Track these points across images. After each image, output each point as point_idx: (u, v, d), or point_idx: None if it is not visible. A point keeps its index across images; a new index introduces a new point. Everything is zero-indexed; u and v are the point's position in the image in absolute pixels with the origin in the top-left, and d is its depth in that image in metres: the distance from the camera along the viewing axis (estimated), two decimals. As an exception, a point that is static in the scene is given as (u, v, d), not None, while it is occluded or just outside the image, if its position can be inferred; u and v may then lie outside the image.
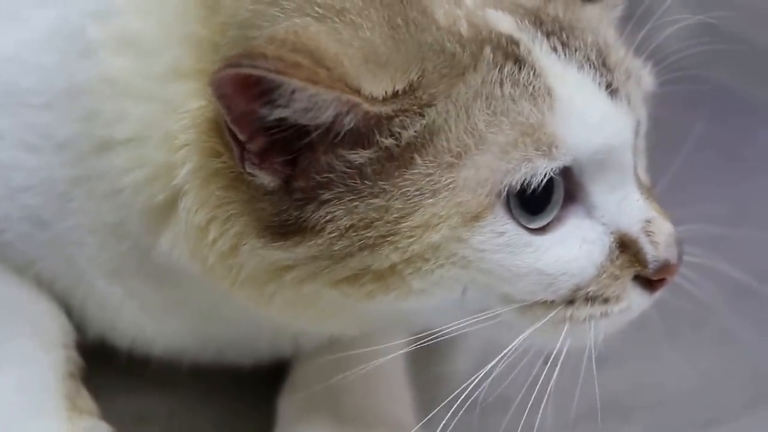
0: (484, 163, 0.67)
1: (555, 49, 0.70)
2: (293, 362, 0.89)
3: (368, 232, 0.67)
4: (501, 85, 0.68)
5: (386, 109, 0.66)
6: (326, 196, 0.68)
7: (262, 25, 0.69)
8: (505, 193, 0.68)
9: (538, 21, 0.71)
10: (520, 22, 0.71)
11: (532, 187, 0.68)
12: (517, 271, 0.69)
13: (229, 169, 0.69)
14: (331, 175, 0.68)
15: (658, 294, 0.74)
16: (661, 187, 0.81)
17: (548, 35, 0.71)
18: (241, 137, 0.66)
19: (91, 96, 0.75)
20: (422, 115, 0.67)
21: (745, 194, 1.21)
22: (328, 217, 0.68)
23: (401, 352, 0.83)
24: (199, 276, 0.73)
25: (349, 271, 0.68)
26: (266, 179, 0.68)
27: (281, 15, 0.68)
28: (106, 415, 0.85)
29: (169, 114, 0.71)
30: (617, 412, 0.92)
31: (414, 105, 0.67)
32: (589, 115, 0.69)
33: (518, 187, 0.67)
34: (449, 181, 0.67)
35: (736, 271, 0.86)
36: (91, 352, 0.88)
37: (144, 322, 0.85)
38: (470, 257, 0.68)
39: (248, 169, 0.67)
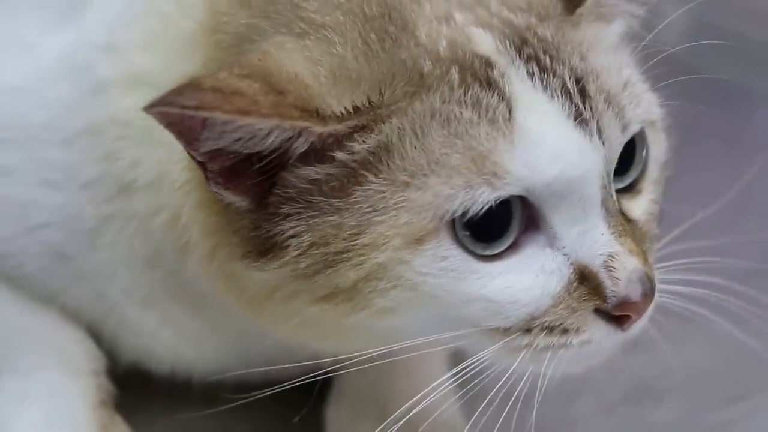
0: (431, 185, 0.67)
1: (531, 75, 0.69)
2: (336, 375, 0.89)
3: (327, 249, 0.68)
4: (461, 107, 0.67)
5: (342, 128, 0.66)
6: (287, 210, 0.68)
7: (254, 39, 0.70)
8: (448, 218, 0.67)
9: (522, 42, 0.70)
10: (501, 44, 0.70)
11: (471, 215, 0.67)
12: (463, 296, 0.68)
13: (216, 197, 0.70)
14: (291, 191, 0.68)
15: (633, 329, 0.72)
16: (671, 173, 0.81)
17: (528, 59, 0.70)
18: (200, 159, 0.67)
19: (108, 137, 0.76)
20: (378, 132, 0.67)
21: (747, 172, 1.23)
22: (290, 233, 0.68)
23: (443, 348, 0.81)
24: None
25: (322, 289, 0.69)
26: (235, 199, 0.69)
27: (270, 29, 0.70)
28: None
29: (171, 156, 0.72)
30: (649, 396, 0.93)
31: (372, 121, 0.67)
32: (546, 147, 0.67)
33: (460, 213, 0.67)
34: (400, 200, 0.67)
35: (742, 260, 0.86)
36: (127, 376, 0.88)
37: (182, 347, 0.85)
38: (414, 280, 0.68)
39: (215, 190, 0.68)
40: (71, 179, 0.80)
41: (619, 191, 0.73)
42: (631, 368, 0.89)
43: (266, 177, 0.68)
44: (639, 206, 0.75)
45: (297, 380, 0.75)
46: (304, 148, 0.66)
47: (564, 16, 0.73)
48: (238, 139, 0.65)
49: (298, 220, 0.68)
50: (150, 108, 0.63)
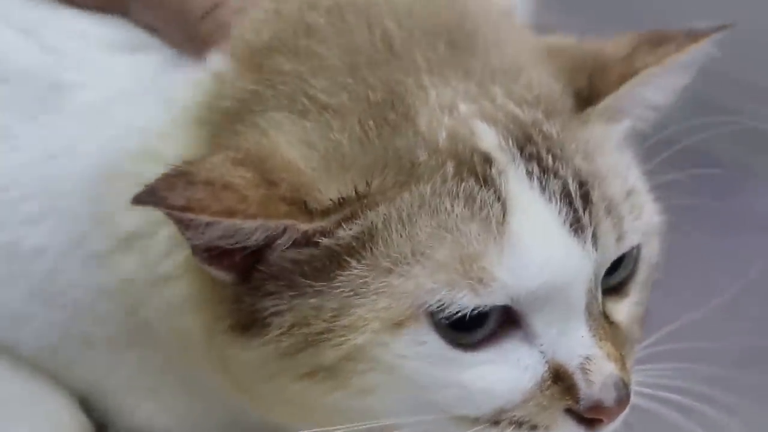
0: (414, 275, 0.66)
1: (530, 175, 0.68)
2: None
3: (308, 330, 0.68)
4: (453, 201, 0.67)
5: (326, 224, 0.66)
6: (270, 288, 0.68)
7: (254, 109, 0.71)
8: (427, 309, 0.67)
9: (526, 139, 0.69)
10: (503, 140, 0.69)
11: (448, 314, 0.66)
12: (437, 381, 0.68)
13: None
14: (274, 269, 0.69)
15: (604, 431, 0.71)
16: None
17: (530, 158, 0.69)
18: (186, 236, 0.67)
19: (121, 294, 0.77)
20: (364, 218, 0.67)
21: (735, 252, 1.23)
22: (272, 310, 0.68)
23: None
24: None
25: (305, 367, 0.69)
26: (218, 274, 0.69)
27: (273, 100, 0.70)
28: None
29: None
30: None
31: (359, 209, 0.67)
32: (536, 255, 0.67)
33: (436, 309, 0.66)
34: (381, 285, 0.67)
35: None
36: None
37: (177, 427, 0.85)
38: (391, 362, 0.68)
39: (199, 263, 0.69)
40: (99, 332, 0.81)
41: (605, 292, 0.73)
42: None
43: (250, 256, 0.68)
44: (623, 309, 0.75)
45: None
46: (288, 244, 0.67)
47: (572, 114, 0.72)
48: (222, 237, 0.66)
49: (279, 299, 0.68)
50: (138, 202, 0.63)
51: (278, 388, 0.71)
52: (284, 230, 0.66)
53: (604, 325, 0.71)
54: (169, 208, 0.63)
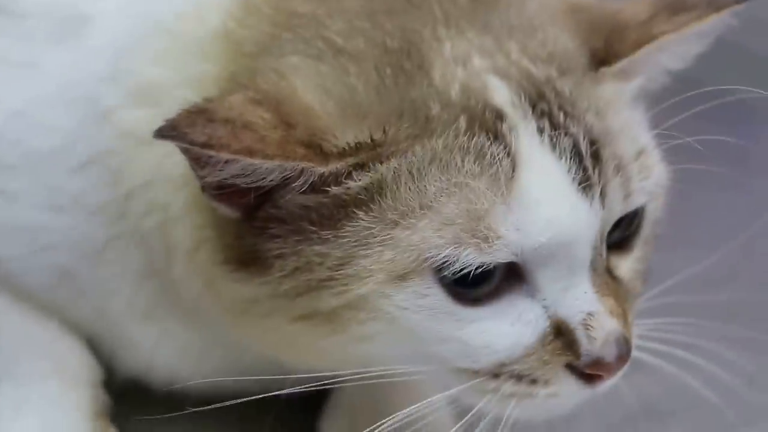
0: (420, 228, 0.66)
1: (541, 132, 0.68)
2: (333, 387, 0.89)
3: (311, 275, 0.68)
4: (464, 155, 0.67)
5: (342, 166, 0.66)
6: (275, 231, 0.68)
7: (273, 52, 0.70)
8: (431, 264, 0.67)
9: (539, 96, 0.69)
10: (516, 96, 0.69)
11: (453, 269, 0.66)
12: (437, 335, 0.68)
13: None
14: (281, 211, 0.68)
15: (601, 388, 0.71)
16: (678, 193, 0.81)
17: (542, 114, 0.68)
18: (199, 173, 0.67)
19: (114, 157, 0.77)
20: (375, 170, 0.67)
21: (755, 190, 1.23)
22: (276, 253, 0.68)
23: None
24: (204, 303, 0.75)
25: (302, 310, 0.69)
26: (225, 210, 0.69)
27: (290, 44, 0.70)
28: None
29: (165, 152, 0.73)
30: (654, 417, 0.93)
31: (371, 160, 0.66)
32: (542, 213, 0.66)
33: (440, 264, 0.66)
34: (387, 237, 0.67)
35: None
36: (124, 387, 0.89)
37: (180, 363, 0.85)
38: (393, 314, 0.68)
39: (207, 199, 0.69)
40: (80, 205, 0.80)
41: (608, 247, 0.72)
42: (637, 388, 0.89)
43: (260, 195, 0.68)
44: (626, 264, 0.74)
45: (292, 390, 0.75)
46: (303, 188, 0.67)
47: (586, 72, 0.72)
48: (239, 175, 0.66)
49: (284, 242, 0.69)
50: (159, 135, 0.63)
51: (272, 326, 0.71)
52: (301, 172, 0.65)
53: (608, 280, 0.71)
54: (191, 144, 0.63)
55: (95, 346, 0.89)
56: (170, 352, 0.85)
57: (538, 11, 0.74)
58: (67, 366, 0.88)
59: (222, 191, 0.68)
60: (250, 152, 0.64)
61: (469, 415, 0.72)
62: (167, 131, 0.63)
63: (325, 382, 0.75)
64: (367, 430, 0.72)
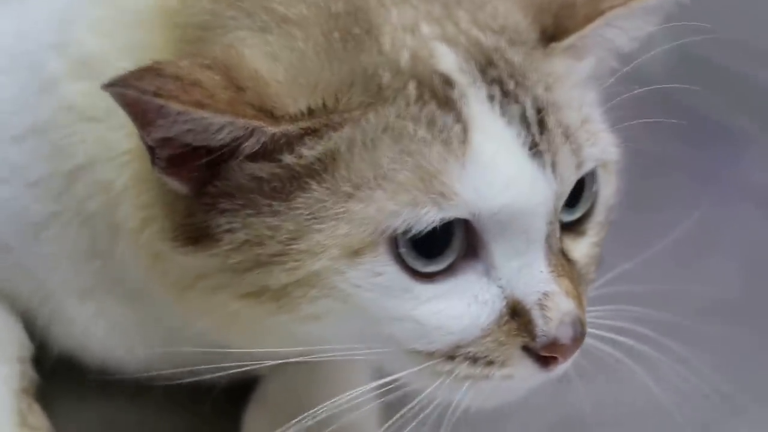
0: (376, 200, 0.65)
1: (491, 98, 0.68)
2: (261, 377, 0.89)
3: (261, 249, 0.67)
4: (416, 124, 0.66)
5: (294, 129, 0.65)
6: (225, 206, 0.67)
7: (216, 30, 0.69)
8: (390, 233, 0.66)
9: (488, 63, 0.69)
10: (465, 63, 0.68)
11: (414, 233, 0.65)
12: (391, 314, 0.67)
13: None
14: (231, 185, 0.67)
15: (555, 372, 0.70)
16: (639, 206, 0.80)
17: (492, 81, 0.68)
18: (149, 144, 0.66)
19: (56, 131, 0.75)
20: (328, 139, 0.66)
21: (721, 217, 1.23)
22: (225, 227, 0.67)
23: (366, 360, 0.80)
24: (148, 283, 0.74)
25: (250, 286, 0.68)
26: (175, 185, 0.68)
27: (233, 21, 0.69)
28: (73, 421, 0.85)
29: (111, 127, 0.72)
30: (580, 430, 0.93)
31: (324, 126, 0.66)
32: (498, 173, 0.66)
33: (402, 230, 0.65)
34: (341, 210, 0.66)
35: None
36: (59, 366, 0.88)
37: (115, 343, 0.84)
38: (347, 291, 0.67)
39: (158, 174, 0.68)
40: (18, 177, 0.79)
41: (562, 228, 0.72)
42: (566, 401, 0.88)
43: (209, 168, 0.67)
44: (581, 248, 0.74)
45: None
46: (255, 148, 0.66)
47: (536, 46, 0.71)
48: (190, 131, 0.65)
49: (234, 216, 0.67)
50: (108, 86, 0.62)
51: (218, 303, 0.70)
52: (252, 132, 0.64)
53: (563, 262, 0.70)
54: (141, 92, 0.62)
55: (30, 322, 0.88)
56: (103, 331, 0.84)
57: None
58: None
59: (172, 162, 0.67)
60: (200, 105, 0.63)
61: (416, 401, 0.71)
62: (115, 81, 0.62)
63: (250, 367, 0.72)
64: (288, 424, 0.71)
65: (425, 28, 0.69)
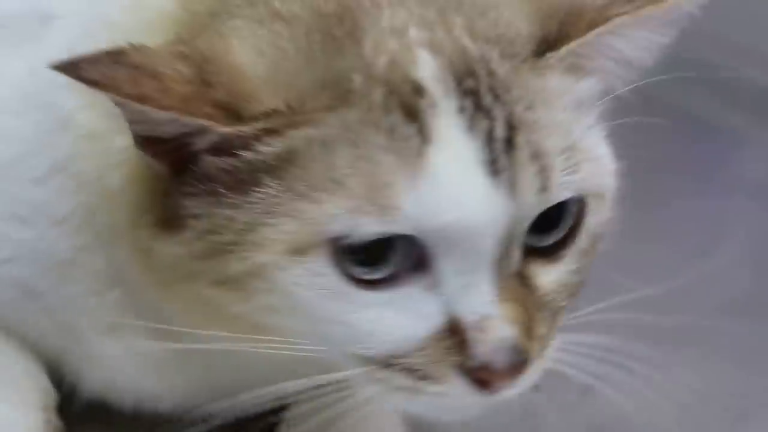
0: (323, 201, 0.65)
1: (461, 111, 0.66)
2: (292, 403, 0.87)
3: (219, 238, 0.67)
4: (376, 130, 0.65)
5: (248, 129, 0.65)
6: (192, 190, 0.68)
7: (222, 16, 0.69)
8: (330, 237, 0.65)
9: (467, 73, 0.67)
10: (442, 72, 0.66)
11: (355, 240, 0.65)
12: (328, 315, 0.67)
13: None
14: (200, 172, 0.68)
15: (501, 394, 0.68)
16: (642, 209, 0.79)
17: (466, 93, 0.66)
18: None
19: (80, 162, 0.75)
20: (287, 138, 0.65)
21: (720, 213, 1.24)
22: (191, 211, 0.68)
23: None
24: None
25: (215, 274, 0.68)
26: (152, 162, 0.69)
27: (237, 9, 0.69)
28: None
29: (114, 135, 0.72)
30: None
31: (285, 127, 0.65)
32: (447, 190, 0.64)
33: (339, 236, 0.65)
34: (291, 208, 0.66)
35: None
36: (89, 411, 0.88)
37: (148, 380, 0.84)
38: (288, 288, 0.67)
39: (139, 150, 0.68)
40: (43, 216, 0.79)
41: (536, 253, 0.70)
42: (586, 412, 0.88)
43: (181, 152, 0.68)
44: (551, 274, 0.71)
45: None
46: (211, 144, 0.66)
47: (530, 59, 0.69)
48: (137, 121, 0.66)
49: (198, 202, 0.68)
50: (55, 66, 0.63)
51: (193, 291, 0.70)
52: (203, 130, 0.65)
53: (516, 286, 0.68)
54: (78, 79, 0.62)
55: (55, 367, 0.87)
56: (137, 369, 0.83)
57: None
58: (20, 389, 0.86)
59: (146, 145, 0.68)
60: (142, 99, 0.63)
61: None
62: (64, 63, 0.63)
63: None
64: None
65: (413, 33, 0.68)
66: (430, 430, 0.82)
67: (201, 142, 0.66)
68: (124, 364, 0.83)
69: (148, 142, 0.68)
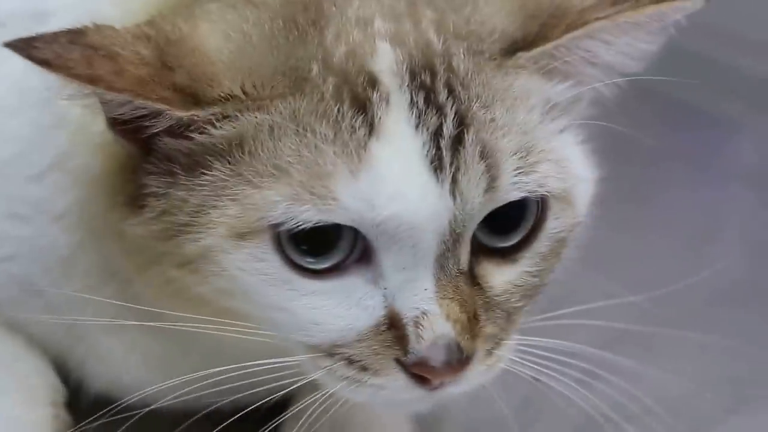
0: (266, 187, 0.65)
1: (412, 104, 0.65)
2: (295, 396, 0.87)
3: (174, 218, 0.68)
4: (323, 120, 0.65)
5: (203, 114, 0.65)
6: (152, 168, 0.68)
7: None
8: (271, 222, 0.65)
9: (425, 68, 0.66)
10: (399, 65, 0.66)
11: (293, 227, 0.65)
12: (271, 301, 0.68)
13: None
14: (162, 153, 0.68)
15: (445, 391, 0.69)
16: (637, 198, 0.79)
17: (420, 88, 0.66)
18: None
19: (77, 157, 0.76)
20: (237, 122, 0.66)
21: (716, 202, 1.24)
22: (150, 191, 0.68)
23: None
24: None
25: (176, 256, 0.69)
26: (123, 143, 0.69)
27: None
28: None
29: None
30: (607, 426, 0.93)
31: (237, 111, 0.66)
32: (386, 184, 0.64)
33: (278, 222, 0.65)
34: (236, 192, 0.66)
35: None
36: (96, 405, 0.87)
37: (150, 376, 0.83)
38: (232, 272, 0.67)
39: (110, 130, 0.69)
40: (43, 212, 0.79)
41: (492, 252, 0.70)
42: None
43: (141, 133, 0.68)
44: (504, 275, 0.71)
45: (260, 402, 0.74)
46: (164, 126, 0.66)
47: (498, 57, 0.68)
48: (102, 102, 0.66)
49: (158, 182, 0.68)
50: (8, 45, 0.63)
51: (162, 273, 0.70)
52: (159, 113, 0.65)
53: (463, 284, 0.68)
54: (29, 58, 0.62)
55: (64, 364, 0.88)
56: (139, 364, 0.84)
57: None
58: (29, 385, 0.87)
59: (114, 123, 0.68)
60: (93, 80, 0.63)
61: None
62: (18, 42, 0.62)
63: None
64: None
65: (378, 24, 0.68)
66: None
67: (158, 125, 0.66)
68: (126, 360, 0.84)
69: (114, 122, 0.68)
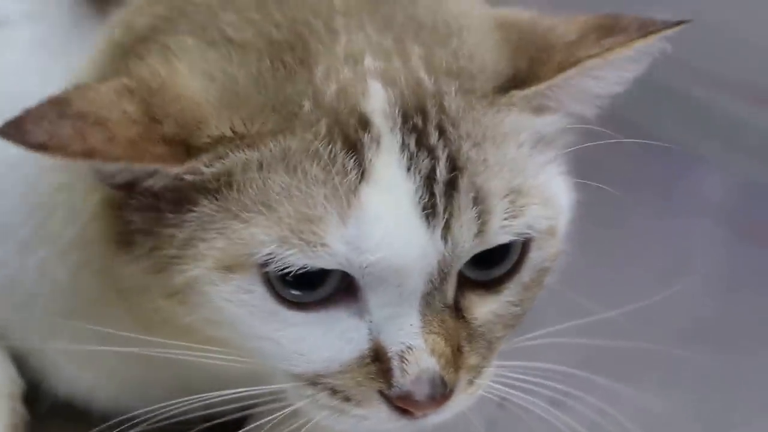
0: (254, 224, 0.65)
1: (404, 148, 0.65)
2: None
3: (162, 252, 0.68)
4: (314, 161, 0.65)
5: (197, 163, 0.65)
6: (141, 206, 0.68)
7: (166, 30, 0.69)
8: (257, 260, 0.65)
9: (417, 109, 0.66)
10: (391, 107, 0.66)
11: (281, 268, 0.65)
12: (257, 332, 0.68)
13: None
14: (148, 192, 0.68)
15: (427, 420, 0.69)
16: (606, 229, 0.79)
17: (411, 130, 0.66)
18: None
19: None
20: (226, 159, 0.65)
21: (684, 236, 1.25)
22: (138, 227, 0.68)
23: None
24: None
25: (165, 287, 0.69)
26: (107, 188, 0.69)
27: (184, 26, 0.69)
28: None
29: None
30: None
31: (228, 150, 0.65)
32: (376, 230, 0.64)
33: (264, 262, 0.65)
34: (224, 226, 0.66)
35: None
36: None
37: (124, 394, 0.83)
38: (218, 303, 0.67)
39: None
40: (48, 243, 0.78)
41: (475, 284, 0.70)
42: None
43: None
44: (487, 306, 0.71)
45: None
46: (159, 184, 0.66)
47: (491, 95, 0.69)
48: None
49: (145, 219, 0.68)
50: (3, 134, 0.61)
51: (152, 306, 0.70)
52: (154, 172, 0.65)
53: (446, 318, 0.69)
54: (28, 146, 0.61)
55: (21, 358, 0.87)
56: (113, 388, 0.84)
57: (461, 16, 0.71)
58: None
59: None
60: (89, 154, 0.62)
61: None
62: (8, 128, 0.61)
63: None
64: None
65: (369, 62, 0.67)
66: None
67: (155, 184, 0.66)
68: (98, 385, 0.84)
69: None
